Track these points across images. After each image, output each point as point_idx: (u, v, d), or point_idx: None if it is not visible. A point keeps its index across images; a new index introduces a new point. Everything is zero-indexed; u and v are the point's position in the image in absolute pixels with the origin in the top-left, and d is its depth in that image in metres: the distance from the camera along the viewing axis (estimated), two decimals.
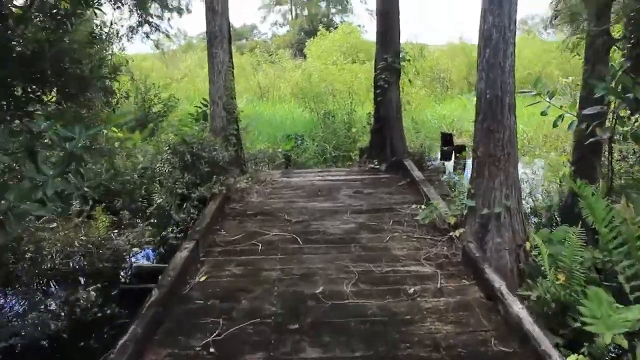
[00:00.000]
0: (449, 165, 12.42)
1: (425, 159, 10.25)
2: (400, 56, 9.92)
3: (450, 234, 6.13)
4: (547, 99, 6.23)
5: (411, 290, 5.04)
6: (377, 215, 7.32)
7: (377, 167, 9.85)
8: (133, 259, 7.32)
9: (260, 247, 6.19)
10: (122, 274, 6.95)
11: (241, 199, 8.20)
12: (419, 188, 8.13)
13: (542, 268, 5.03)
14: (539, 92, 6.28)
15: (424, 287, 5.12)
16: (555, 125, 6.44)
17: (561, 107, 6.52)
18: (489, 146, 5.77)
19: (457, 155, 12.36)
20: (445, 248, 6.05)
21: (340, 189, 8.77)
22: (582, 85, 7.15)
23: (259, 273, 5.50)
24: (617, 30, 7.38)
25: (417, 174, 8.86)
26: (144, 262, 7.23)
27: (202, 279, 5.43)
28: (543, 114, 6.52)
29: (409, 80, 10.52)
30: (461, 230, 5.92)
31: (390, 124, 9.97)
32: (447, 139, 14.33)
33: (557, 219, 7.59)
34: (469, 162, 12.28)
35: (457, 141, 14.72)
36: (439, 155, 13.26)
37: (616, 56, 8.40)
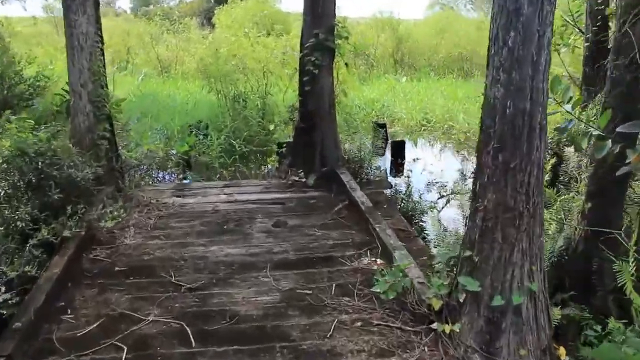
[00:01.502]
0: (384, 163, 10.19)
1: (365, 167, 7.93)
2: (335, 32, 7.49)
3: (434, 326, 3.85)
4: (569, 110, 4.07)
5: None
6: (311, 273, 4.92)
7: (304, 180, 7.42)
8: None
9: (124, 357, 3.68)
10: None
11: (110, 239, 5.59)
12: (368, 223, 5.81)
13: None
14: (560, 100, 4.11)
15: None
16: (579, 148, 4.22)
17: (587, 121, 4.35)
18: (505, 193, 3.49)
19: (401, 161, 10.05)
20: (426, 351, 3.76)
21: (254, 218, 6.29)
22: (610, 84, 4.96)
23: None
24: None
25: (359, 195, 6.52)
26: None
27: None
28: (562, 130, 4.34)
29: (346, 64, 8.08)
30: (455, 327, 3.65)
31: (322, 122, 7.55)
32: (380, 130, 12.10)
33: (558, 268, 5.49)
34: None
35: (391, 132, 12.59)
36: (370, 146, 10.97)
37: None
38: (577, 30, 12.02)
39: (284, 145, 8.50)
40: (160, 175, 8.57)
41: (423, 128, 13.76)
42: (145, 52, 22.61)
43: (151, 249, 5.42)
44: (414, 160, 9.53)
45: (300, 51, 7.60)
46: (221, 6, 26.25)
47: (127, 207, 6.35)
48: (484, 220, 3.61)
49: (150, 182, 7.98)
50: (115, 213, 5.65)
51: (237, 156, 9.59)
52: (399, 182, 8.99)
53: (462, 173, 10.30)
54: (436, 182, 9.27)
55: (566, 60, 13.10)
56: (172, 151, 8.73)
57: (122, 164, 7.06)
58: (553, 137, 9.64)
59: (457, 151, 12.12)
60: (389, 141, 11.46)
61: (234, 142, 10.33)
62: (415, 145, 12.98)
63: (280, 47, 14.86)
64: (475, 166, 3.81)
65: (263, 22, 22.48)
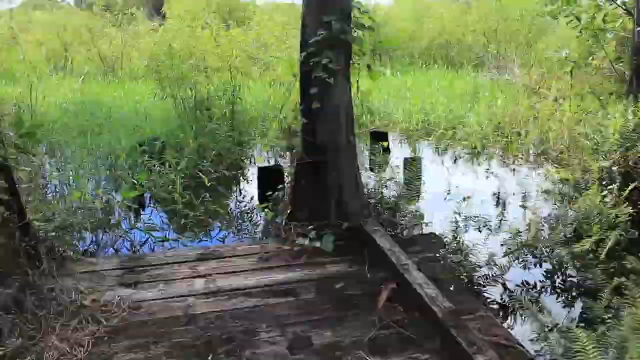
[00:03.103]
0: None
1: (399, 214, 5.53)
2: (352, 19, 5.06)
3: None
4: None
5: None
6: None
7: (317, 243, 4.95)
8: None
9: None
10: None
11: None
12: (451, 339, 3.43)
13: None
14: None
15: None
16: None
17: None
18: None
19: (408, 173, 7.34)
20: None
21: (255, 330, 3.79)
22: None
23: None
24: None
25: (420, 280, 4.10)
26: None
27: None
28: None
29: (368, 67, 5.62)
30: None
31: (338, 156, 5.11)
32: (380, 139, 9.75)
33: None
34: None
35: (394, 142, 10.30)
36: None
37: None
38: (623, 10, 9.90)
39: (273, 181, 6.08)
40: (101, 237, 5.92)
41: (428, 133, 11.40)
42: (86, 48, 19.65)
43: None
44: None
45: (301, 50, 5.13)
46: None
47: (42, 318, 3.84)
48: None
49: (84, 253, 5.39)
50: None
51: (207, 193, 7.02)
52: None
53: (498, 197, 8.01)
54: (475, 217, 6.90)
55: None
56: (116, 197, 6.10)
57: (33, 236, 4.47)
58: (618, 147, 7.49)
59: (479, 163, 9.81)
60: (390, 155, 9.12)
61: (200, 173, 7.75)
62: (415, 153, 10.63)
63: (249, 41, 12.39)
64: None
65: (220, 11, 19.86)
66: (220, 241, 6.49)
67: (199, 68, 11.42)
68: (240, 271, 4.66)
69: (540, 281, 5.51)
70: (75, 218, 5.23)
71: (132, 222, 6.56)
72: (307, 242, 4.93)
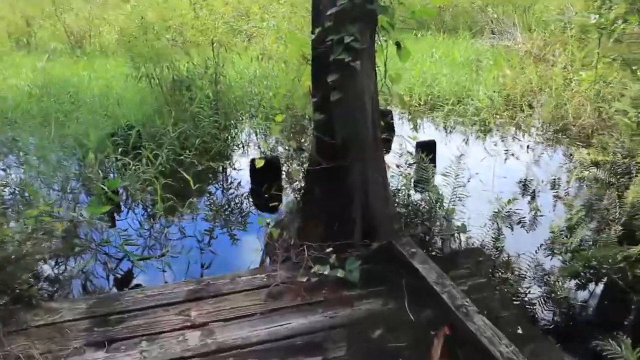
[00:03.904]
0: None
1: (434, 225, 4.49)
2: None
3: None
4: None
5: None
6: None
7: (337, 271, 3.90)
8: None
9: None
10: None
11: None
12: None
13: None
14: None
15: None
16: None
17: None
18: None
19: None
20: None
21: None
22: None
23: None
24: None
25: (485, 333, 3.10)
26: None
27: None
28: None
29: (397, 45, 4.47)
30: None
31: (362, 157, 4.05)
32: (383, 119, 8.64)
33: None
34: None
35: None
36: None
37: None
38: None
39: (268, 174, 5.02)
40: (66, 264, 4.81)
41: (432, 108, 10.34)
42: (52, 23, 18.05)
43: None
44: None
45: (314, 24, 4.01)
46: None
47: None
48: None
49: (47, 281, 4.32)
50: None
51: (194, 197, 5.94)
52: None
53: (524, 185, 7.02)
54: (507, 212, 5.84)
55: None
56: (81, 215, 4.95)
57: None
58: None
59: (494, 143, 8.76)
60: (400, 138, 8.07)
61: (181, 169, 6.66)
62: (416, 131, 9.61)
63: (230, 10, 11.14)
64: None
65: None
66: (207, 235, 5.59)
67: (176, 43, 10.22)
68: (245, 316, 3.60)
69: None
70: (33, 245, 4.12)
71: (105, 236, 5.47)
72: (327, 270, 3.88)
